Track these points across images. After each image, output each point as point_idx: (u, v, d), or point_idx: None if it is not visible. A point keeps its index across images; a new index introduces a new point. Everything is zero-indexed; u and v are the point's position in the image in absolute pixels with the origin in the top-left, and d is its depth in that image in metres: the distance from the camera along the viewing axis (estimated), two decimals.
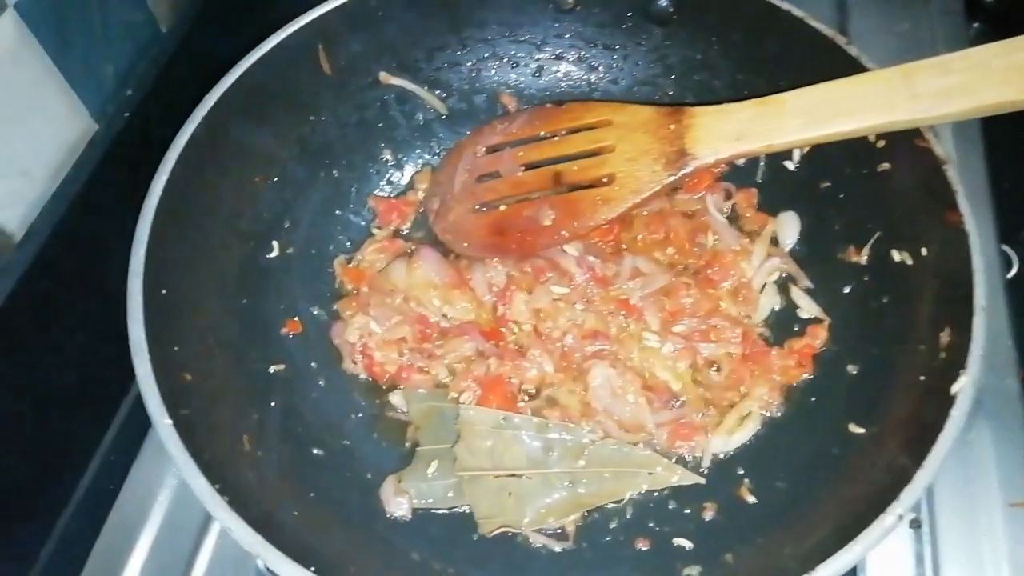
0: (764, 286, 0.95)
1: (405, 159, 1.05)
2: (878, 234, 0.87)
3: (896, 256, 0.84)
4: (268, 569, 0.65)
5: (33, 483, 0.88)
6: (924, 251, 0.81)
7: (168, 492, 0.89)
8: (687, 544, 0.80)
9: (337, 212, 1.01)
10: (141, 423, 0.89)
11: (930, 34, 1.20)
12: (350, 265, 0.98)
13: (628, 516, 0.84)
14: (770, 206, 0.99)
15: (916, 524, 0.85)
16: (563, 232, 0.89)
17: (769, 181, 0.99)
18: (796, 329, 0.92)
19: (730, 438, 0.86)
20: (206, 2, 1.10)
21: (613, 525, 0.83)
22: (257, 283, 0.90)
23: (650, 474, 0.84)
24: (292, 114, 0.95)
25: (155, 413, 0.69)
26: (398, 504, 0.83)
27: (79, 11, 0.92)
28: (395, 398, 0.90)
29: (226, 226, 0.88)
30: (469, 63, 1.03)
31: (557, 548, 0.81)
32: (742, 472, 0.85)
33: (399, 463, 0.86)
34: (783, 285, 0.95)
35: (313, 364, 0.91)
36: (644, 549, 0.81)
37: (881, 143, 0.84)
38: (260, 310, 0.90)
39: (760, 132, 0.79)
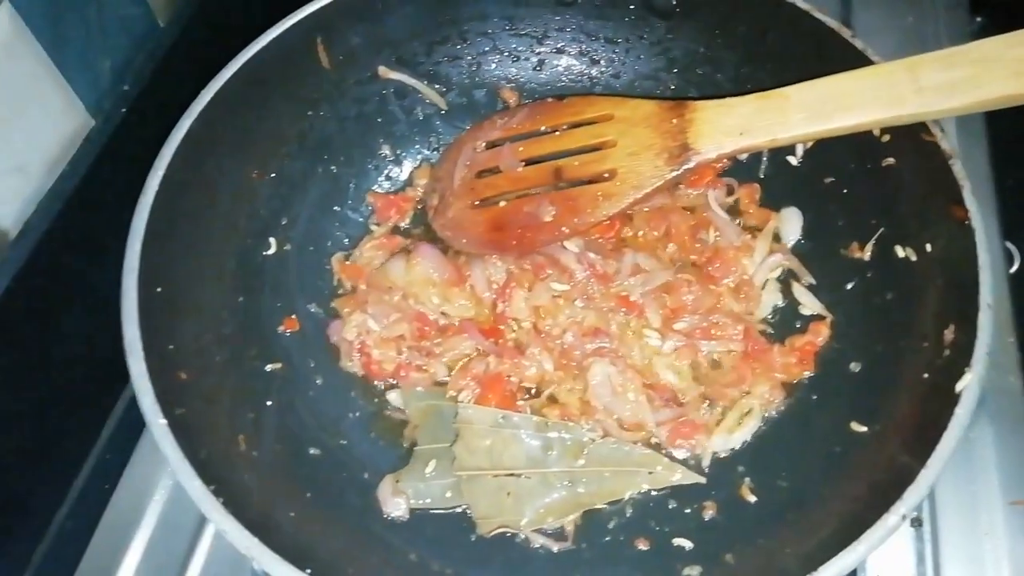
0: (766, 283, 0.94)
1: (404, 154, 1.05)
2: (882, 230, 0.86)
3: (900, 252, 0.83)
4: (264, 571, 0.64)
5: (27, 483, 0.88)
6: (929, 247, 0.80)
7: (163, 492, 0.88)
8: (687, 544, 0.80)
9: (335, 208, 1.00)
10: (136, 422, 0.88)
11: (934, 27, 1.20)
12: (348, 262, 0.97)
13: (628, 516, 0.83)
14: (773, 202, 0.98)
15: (917, 522, 0.85)
16: (563, 228, 0.88)
17: (772, 176, 0.98)
18: (798, 326, 0.91)
19: (731, 436, 0.86)
20: None
21: (612, 525, 0.83)
22: (254, 280, 0.90)
23: (650, 473, 0.84)
24: (290, 109, 0.94)
25: (149, 413, 0.68)
26: (396, 504, 0.82)
27: (75, 5, 0.92)
28: (393, 397, 0.90)
29: (223, 222, 0.88)
30: (469, 57, 1.02)
31: (556, 548, 0.81)
32: (743, 471, 0.84)
33: (397, 463, 0.86)
34: (785, 282, 0.95)
35: (310, 362, 0.91)
36: (644, 549, 0.81)
37: (886, 137, 0.83)
38: (257, 308, 0.89)
39: (763, 127, 0.78)
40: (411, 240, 0.99)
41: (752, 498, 0.82)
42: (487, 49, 1.02)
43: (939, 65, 0.71)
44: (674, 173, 0.82)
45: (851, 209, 0.90)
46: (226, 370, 0.82)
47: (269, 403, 0.84)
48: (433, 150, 1.05)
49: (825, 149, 0.90)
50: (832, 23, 0.85)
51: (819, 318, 0.90)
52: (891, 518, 0.63)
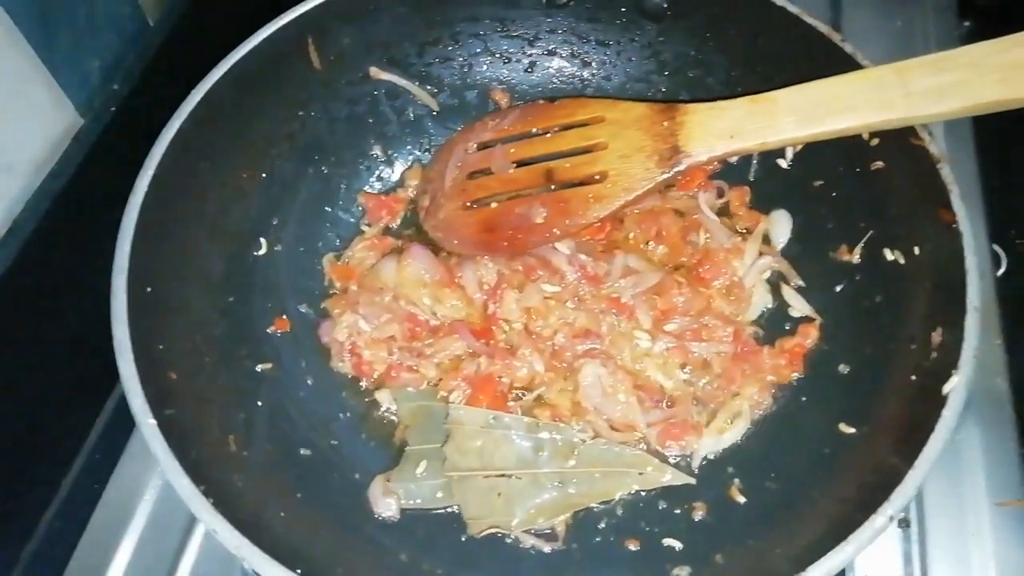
0: (756, 285, 0.95)
1: (395, 155, 1.04)
2: (871, 233, 0.87)
3: (888, 255, 0.84)
4: (254, 571, 0.64)
5: (16, 482, 0.87)
6: (917, 250, 0.80)
7: (153, 492, 0.88)
8: (677, 544, 0.80)
9: (326, 209, 1.00)
10: (126, 422, 0.88)
11: (923, 31, 1.20)
12: (339, 263, 0.97)
13: (618, 516, 0.83)
14: (762, 204, 0.98)
15: (905, 523, 0.85)
16: (555, 230, 0.88)
17: (762, 179, 0.99)
18: (787, 328, 0.92)
19: (720, 437, 0.86)
20: None
21: (603, 525, 0.83)
22: (244, 281, 0.90)
23: (640, 474, 0.84)
24: (281, 109, 0.94)
25: (139, 413, 0.68)
26: (386, 504, 0.82)
27: (64, 3, 0.91)
28: (384, 397, 0.90)
29: (213, 223, 0.87)
30: (461, 58, 1.02)
31: (547, 549, 0.81)
32: (732, 472, 0.85)
33: (388, 463, 0.86)
34: (775, 284, 0.95)
35: (301, 363, 0.91)
36: (634, 549, 0.81)
37: (875, 141, 0.83)
38: (247, 308, 0.89)
39: (754, 130, 0.78)
40: (402, 241, 0.99)
41: (741, 499, 0.82)
42: (479, 50, 1.02)
43: (928, 70, 0.71)
44: (665, 175, 0.82)
45: (840, 212, 0.91)
46: (216, 370, 0.81)
47: (259, 403, 0.84)
48: (424, 151, 1.05)
49: (815, 152, 0.90)
50: (822, 27, 0.85)
51: (808, 320, 0.91)
52: (879, 519, 0.64)
